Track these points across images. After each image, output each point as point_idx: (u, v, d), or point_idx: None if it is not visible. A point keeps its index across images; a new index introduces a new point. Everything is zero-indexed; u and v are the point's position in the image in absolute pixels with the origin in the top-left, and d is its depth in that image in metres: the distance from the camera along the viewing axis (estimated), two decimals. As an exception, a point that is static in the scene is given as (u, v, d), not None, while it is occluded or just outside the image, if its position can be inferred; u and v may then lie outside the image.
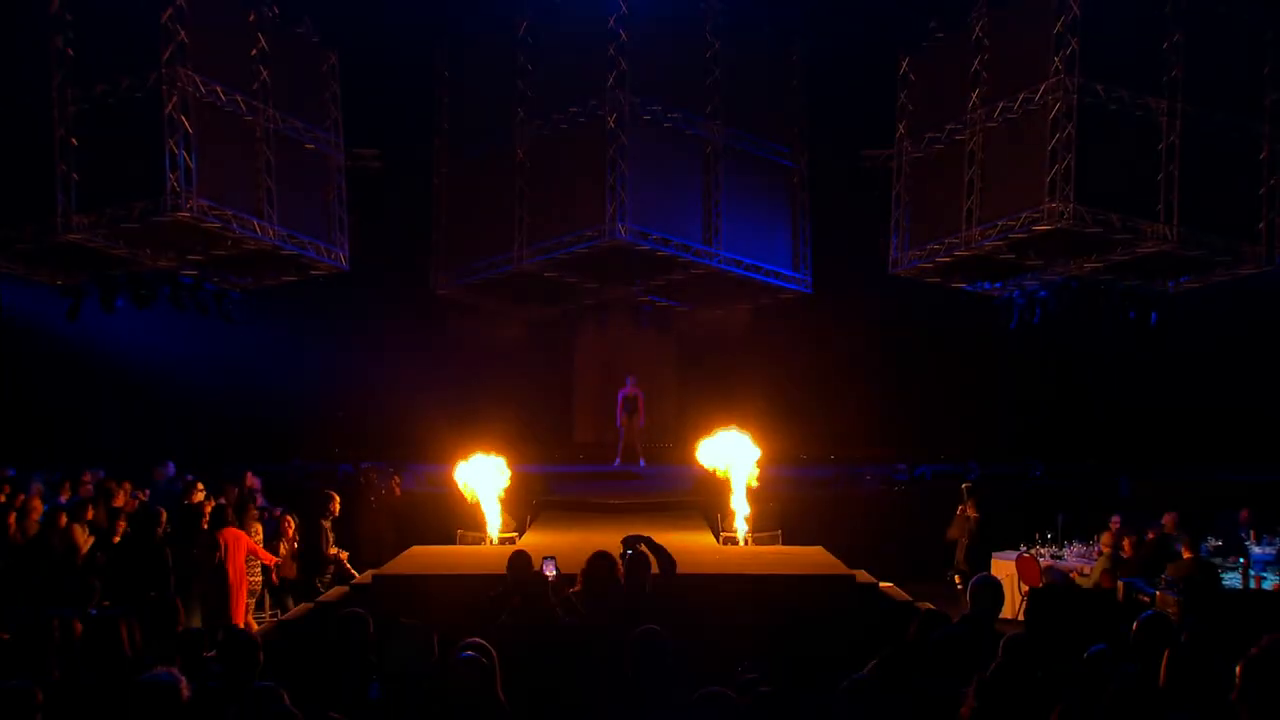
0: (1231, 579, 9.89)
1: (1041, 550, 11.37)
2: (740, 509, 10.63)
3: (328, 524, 10.59)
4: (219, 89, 13.50)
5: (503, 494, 10.97)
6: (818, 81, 16.93)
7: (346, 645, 5.29)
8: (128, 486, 11.31)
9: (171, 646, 5.47)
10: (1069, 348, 16.68)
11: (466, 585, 7.85)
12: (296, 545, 10.60)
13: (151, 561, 9.16)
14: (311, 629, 7.75)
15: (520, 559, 6.54)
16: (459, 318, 18.77)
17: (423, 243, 17.62)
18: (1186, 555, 9.51)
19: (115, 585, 8.65)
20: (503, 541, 10.69)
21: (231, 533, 9.45)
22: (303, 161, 15.16)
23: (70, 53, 13.04)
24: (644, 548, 6.53)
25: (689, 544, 10.00)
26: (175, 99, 12.78)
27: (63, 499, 11.08)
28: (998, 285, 16.44)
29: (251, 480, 12.37)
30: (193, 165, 12.90)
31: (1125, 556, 10.28)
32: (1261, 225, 14.11)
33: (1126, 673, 4.41)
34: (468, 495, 10.91)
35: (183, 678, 4.31)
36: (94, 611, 7.01)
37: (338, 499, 10.82)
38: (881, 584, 8.77)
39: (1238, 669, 3.47)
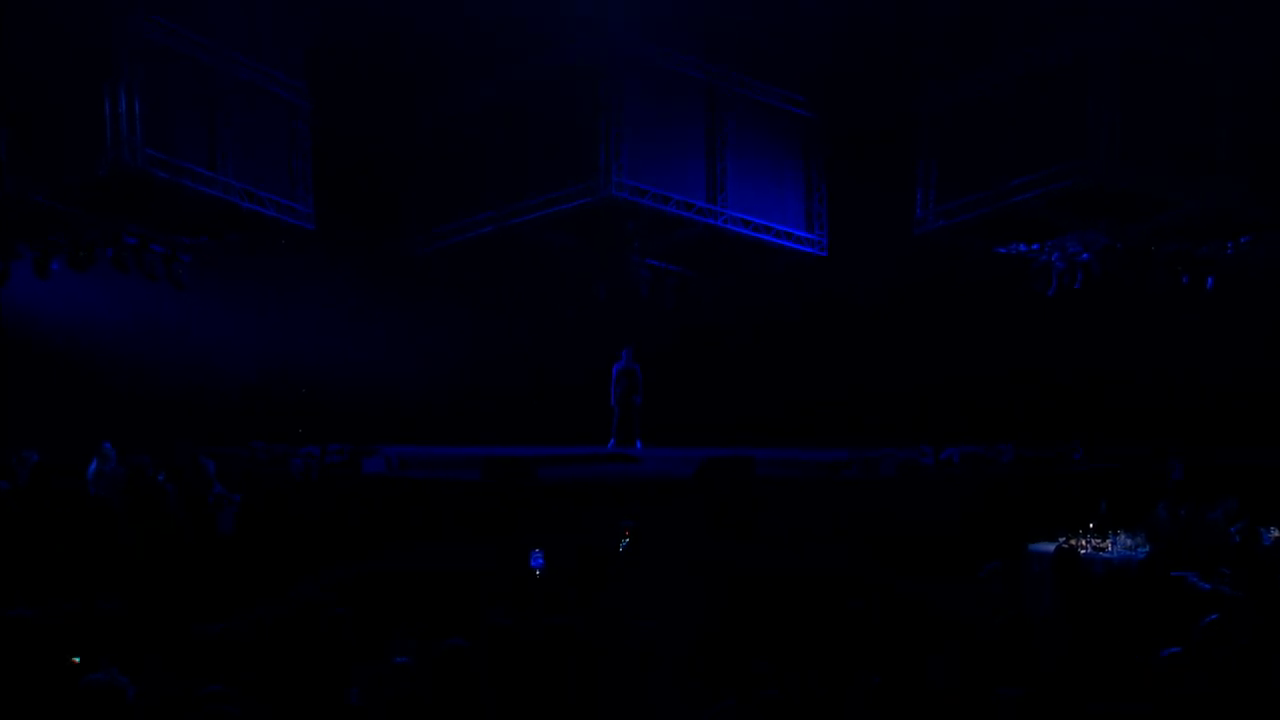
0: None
1: (1083, 541, 11.35)
2: None
3: None
4: (169, 27, 13.31)
5: None
6: (836, 23, 16.74)
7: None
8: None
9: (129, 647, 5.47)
10: (1113, 316, 16.58)
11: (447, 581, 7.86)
12: None
13: (104, 554, 9.15)
14: (286, 628, 7.75)
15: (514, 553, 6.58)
16: (435, 283, 18.67)
17: (395, 201, 17.48)
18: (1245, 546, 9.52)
19: (62, 580, 8.64)
20: None
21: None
22: (264, 110, 15.01)
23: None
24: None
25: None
26: (120, 37, 12.61)
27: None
28: (1034, 247, 16.34)
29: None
30: (138, 112, 12.76)
31: (1176, 547, 10.28)
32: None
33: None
34: None
35: (127, 680, 4.29)
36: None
37: None
38: (902, 581, 8.78)
39: None
